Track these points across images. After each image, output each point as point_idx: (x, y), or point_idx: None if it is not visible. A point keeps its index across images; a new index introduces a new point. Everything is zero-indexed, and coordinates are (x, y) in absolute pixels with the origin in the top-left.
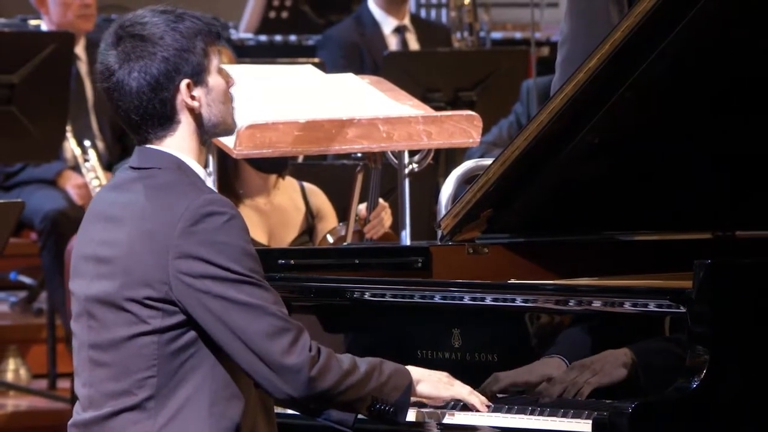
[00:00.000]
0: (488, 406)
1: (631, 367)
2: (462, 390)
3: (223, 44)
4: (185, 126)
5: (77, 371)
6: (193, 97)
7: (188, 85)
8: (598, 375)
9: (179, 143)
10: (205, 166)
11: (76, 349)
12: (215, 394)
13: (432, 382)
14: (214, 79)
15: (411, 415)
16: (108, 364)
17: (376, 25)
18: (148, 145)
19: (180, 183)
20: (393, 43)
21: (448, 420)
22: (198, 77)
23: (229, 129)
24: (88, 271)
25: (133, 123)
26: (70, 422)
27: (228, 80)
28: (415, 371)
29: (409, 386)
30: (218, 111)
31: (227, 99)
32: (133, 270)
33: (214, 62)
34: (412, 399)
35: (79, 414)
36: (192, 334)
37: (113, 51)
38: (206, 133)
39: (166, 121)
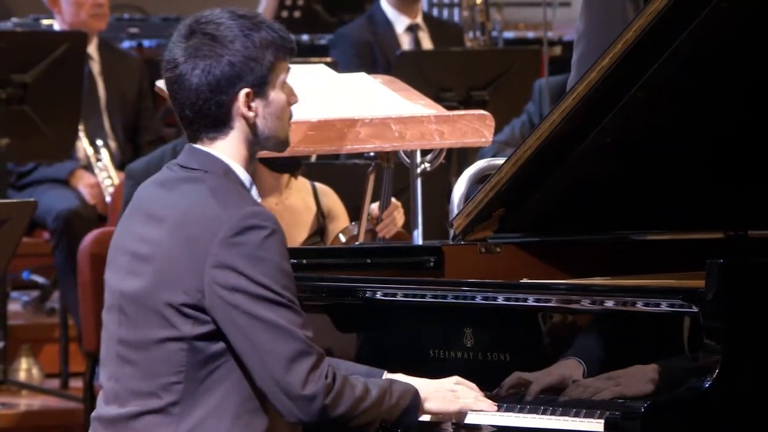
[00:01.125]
0: (498, 407)
1: (657, 383)
2: (467, 401)
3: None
4: (237, 133)
5: (104, 363)
6: (250, 107)
7: (248, 95)
8: (621, 387)
9: (229, 148)
10: None
11: (105, 340)
12: (240, 407)
13: (438, 399)
14: (275, 94)
15: (425, 415)
16: (135, 362)
17: (388, 24)
18: (197, 146)
19: (225, 190)
20: (406, 42)
21: (460, 420)
22: (259, 88)
23: (280, 145)
24: (123, 264)
25: (186, 118)
26: (93, 414)
27: (291, 98)
28: (422, 388)
29: (418, 407)
30: (273, 125)
31: (285, 115)
32: (169, 273)
33: (281, 77)
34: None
35: (102, 407)
36: (221, 344)
37: (183, 43)
38: (257, 144)
39: (219, 123)
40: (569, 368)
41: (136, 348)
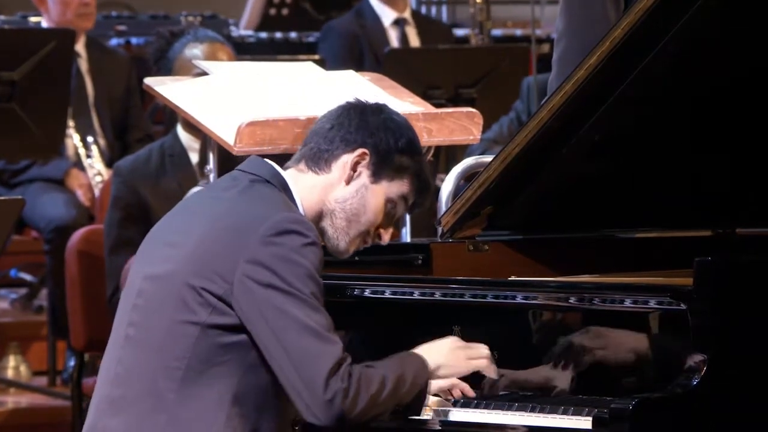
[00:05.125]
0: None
1: (639, 356)
2: (481, 362)
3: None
4: (326, 179)
5: (109, 347)
6: (355, 168)
7: (363, 155)
8: (605, 350)
9: (309, 187)
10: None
11: (115, 326)
12: (233, 409)
13: (449, 366)
14: (381, 190)
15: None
16: (141, 343)
17: (376, 18)
18: (268, 162)
19: (276, 197)
20: (393, 36)
21: (448, 417)
22: (376, 166)
23: (341, 235)
24: (153, 252)
25: (311, 135)
26: (92, 398)
27: (384, 221)
28: (431, 358)
29: (427, 384)
30: (355, 207)
31: (367, 216)
32: (201, 258)
33: (393, 189)
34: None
35: (100, 389)
36: (231, 339)
37: (360, 100)
38: (328, 210)
39: (321, 157)
40: (552, 365)
41: (145, 329)
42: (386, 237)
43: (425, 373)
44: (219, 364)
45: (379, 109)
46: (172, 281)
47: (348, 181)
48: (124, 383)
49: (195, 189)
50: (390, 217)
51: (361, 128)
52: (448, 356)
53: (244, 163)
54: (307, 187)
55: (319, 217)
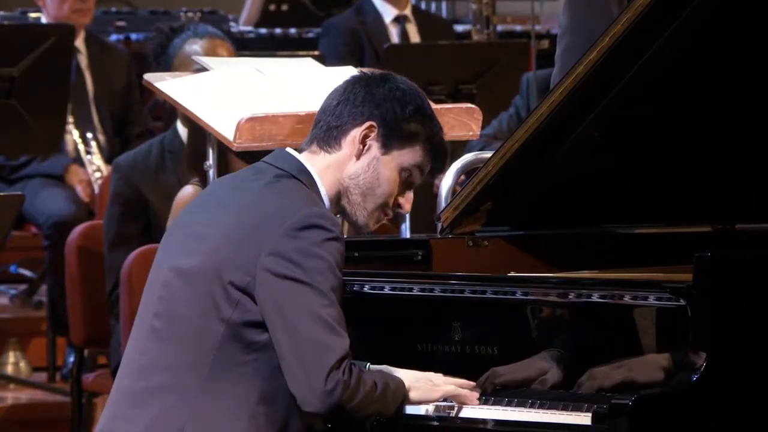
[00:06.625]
0: (481, 398)
1: (639, 352)
2: (449, 388)
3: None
4: (337, 157)
5: (133, 337)
6: (364, 142)
7: (371, 127)
8: (633, 372)
9: (324, 168)
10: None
11: (139, 316)
12: (259, 407)
13: (420, 389)
14: (392, 161)
15: (411, 410)
16: (168, 337)
17: (377, 14)
18: (294, 154)
19: (302, 191)
20: (393, 33)
21: (447, 414)
22: (385, 138)
23: (360, 210)
24: (178, 243)
25: (319, 115)
26: (113, 388)
27: (401, 191)
28: (405, 378)
29: (405, 398)
30: (369, 181)
31: (383, 188)
32: (225, 251)
33: (407, 157)
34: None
35: (123, 379)
36: (258, 338)
37: (365, 72)
38: (344, 189)
39: (331, 135)
40: (549, 360)
41: (172, 322)
42: (407, 206)
43: (403, 388)
44: (245, 363)
45: (384, 79)
46: (199, 276)
47: (358, 156)
48: (147, 376)
49: (188, 187)
50: (408, 186)
51: (366, 101)
52: (418, 381)
53: (270, 156)
54: (322, 169)
55: (338, 197)
